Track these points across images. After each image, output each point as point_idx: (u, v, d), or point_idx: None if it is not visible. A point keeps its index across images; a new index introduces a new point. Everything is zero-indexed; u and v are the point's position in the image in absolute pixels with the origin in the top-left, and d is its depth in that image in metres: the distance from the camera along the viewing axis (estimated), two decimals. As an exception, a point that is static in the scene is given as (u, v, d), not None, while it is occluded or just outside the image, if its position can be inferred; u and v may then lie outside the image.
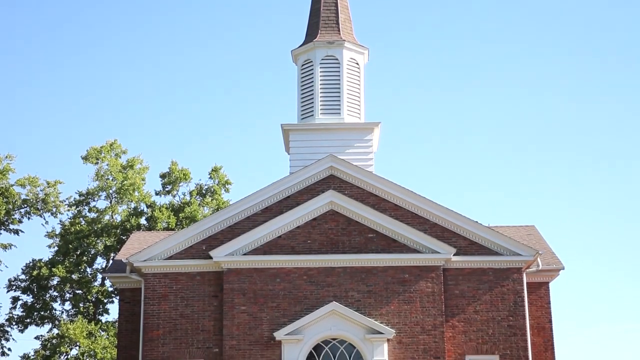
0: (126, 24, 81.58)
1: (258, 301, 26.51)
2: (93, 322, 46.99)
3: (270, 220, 27.06)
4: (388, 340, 26.06)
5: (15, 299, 47.88)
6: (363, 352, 26.05)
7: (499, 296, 26.86)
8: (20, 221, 47.88)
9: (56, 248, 48.68)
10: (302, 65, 30.11)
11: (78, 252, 48.19)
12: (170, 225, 48.75)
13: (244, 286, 26.62)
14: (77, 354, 45.57)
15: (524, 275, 27.30)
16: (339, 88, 29.43)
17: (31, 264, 47.93)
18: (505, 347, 26.50)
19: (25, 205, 47.91)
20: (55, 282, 47.63)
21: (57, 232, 49.33)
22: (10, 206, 46.88)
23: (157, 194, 52.25)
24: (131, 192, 50.11)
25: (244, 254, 26.87)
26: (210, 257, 26.79)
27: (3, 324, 47.22)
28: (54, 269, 46.59)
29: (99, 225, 48.78)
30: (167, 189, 52.36)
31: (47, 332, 47.75)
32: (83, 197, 50.11)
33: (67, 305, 48.59)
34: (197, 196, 52.41)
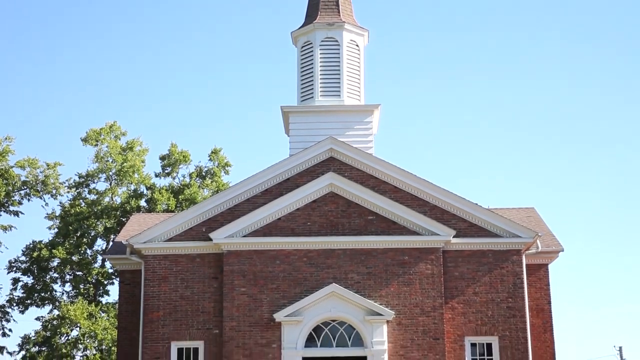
0: (126, 7, 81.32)
1: (258, 283, 26.58)
2: (93, 303, 47.14)
3: (270, 202, 27.07)
4: (387, 321, 26.14)
5: (15, 280, 48.00)
6: (362, 334, 26.13)
7: (499, 278, 26.93)
8: (20, 203, 47.96)
9: (56, 230, 48.77)
10: (302, 47, 30.01)
11: (78, 234, 48.28)
12: (170, 207, 48.80)
13: (244, 268, 26.67)
14: (77, 335, 45.74)
15: (524, 257, 27.35)
16: (339, 70, 29.35)
17: (31, 245, 48.03)
18: (504, 328, 26.60)
19: (25, 187, 47.94)
20: (55, 264, 47.75)
21: (57, 214, 49.40)
22: (10, 188, 46.91)
23: (156, 176, 52.29)
24: (131, 174, 50.13)
25: (244, 236, 26.91)
26: (210, 239, 26.82)
27: (4, 305, 47.38)
28: (54, 251, 46.69)
29: (99, 207, 48.83)
30: (166, 171, 52.37)
31: (48, 313, 47.95)
32: (83, 179, 50.12)
33: (68, 287, 48.77)
34: (197, 178, 52.43)
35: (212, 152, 53.25)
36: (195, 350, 26.54)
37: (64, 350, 45.26)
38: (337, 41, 29.53)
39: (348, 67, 29.48)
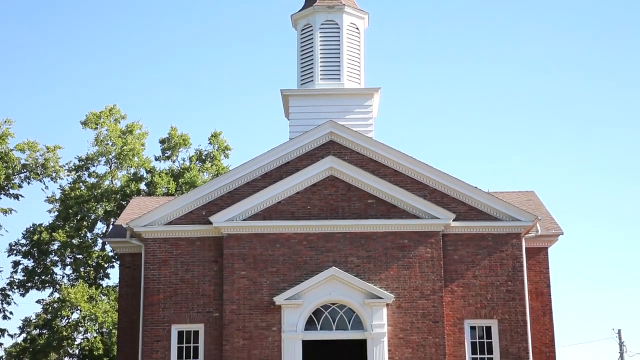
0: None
1: (258, 266, 26.62)
2: (94, 286, 47.24)
3: (270, 186, 27.07)
4: (387, 305, 26.21)
5: (16, 263, 48.06)
6: (362, 317, 26.21)
7: (498, 261, 26.98)
8: (20, 186, 47.93)
9: (56, 213, 48.79)
10: (302, 30, 29.92)
11: (78, 217, 48.32)
12: (170, 191, 48.81)
13: (244, 251, 26.70)
14: (78, 318, 45.86)
15: (523, 240, 27.39)
16: (339, 53, 29.28)
17: (31, 228, 48.07)
18: (503, 311, 26.67)
19: (25, 170, 47.90)
20: (55, 247, 47.80)
21: (57, 197, 49.42)
22: (10, 171, 46.88)
23: (156, 159, 52.27)
24: (131, 157, 50.10)
25: (244, 220, 26.93)
26: (210, 223, 26.84)
27: (4, 287, 47.48)
28: (54, 234, 46.75)
29: (99, 191, 48.84)
30: (166, 155, 52.35)
31: (48, 296, 48.06)
32: (82, 162, 50.11)
33: (68, 270, 48.84)
34: (197, 162, 52.41)
35: (212, 136, 53.21)
36: (196, 333, 26.62)
37: (64, 333, 45.39)
38: (337, 24, 29.43)
39: (348, 50, 29.40)
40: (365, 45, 30.28)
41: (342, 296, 26.29)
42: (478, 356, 26.60)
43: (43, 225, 47.78)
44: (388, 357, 25.86)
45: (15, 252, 48.15)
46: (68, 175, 49.64)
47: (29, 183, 48.25)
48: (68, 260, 48.55)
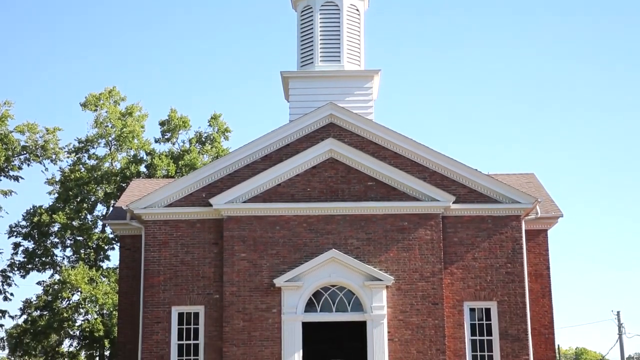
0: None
1: (258, 248, 26.66)
2: (94, 268, 47.36)
3: (270, 168, 27.07)
4: (387, 287, 26.28)
5: (16, 245, 48.16)
6: (362, 299, 26.28)
7: (498, 243, 27.02)
8: (20, 168, 47.91)
9: (56, 195, 48.84)
10: (302, 11, 29.79)
11: (78, 199, 48.37)
12: (169, 173, 48.83)
13: (244, 233, 26.74)
14: (78, 300, 46.00)
15: (523, 222, 27.43)
16: (339, 35, 29.18)
17: (32, 210, 48.13)
18: (503, 293, 26.74)
19: (25, 152, 47.88)
20: (56, 229, 47.88)
21: (57, 179, 49.44)
22: (10, 153, 46.84)
23: (156, 141, 52.27)
24: (130, 139, 50.09)
25: (244, 202, 26.95)
26: (210, 205, 26.86)
27: (5, 269, 47.58)
28: (54, 216, 46.82)
29: (99, 173, 48.87)
30: (166, 137, 52.33)
31: (49, 277, 48.20)
32: (82, 144, 50.10)
33: (68, 252, 48.96)
34: (197, 144, 52.40)
35: (211, 118, 53.18)
36: (196, 314, 26.71)
37: (65, 315, 45.55)
38: (337, 5, 29.31)
39: (348, 32, 29.30)
40: (366, 27, 30.20)
41: (342, 278, 26.35)
42: (477, 338, 26.69)
43: (43, 207, 47.85)
44: (388, 339, 25.96)
45: (15, 233, 48.25)
46: (68, 157, 49.67)
47: (28, 165, 48.27)
48: (68, 242, 48.66)
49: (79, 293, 45.83)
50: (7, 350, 51.19)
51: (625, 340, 56.80)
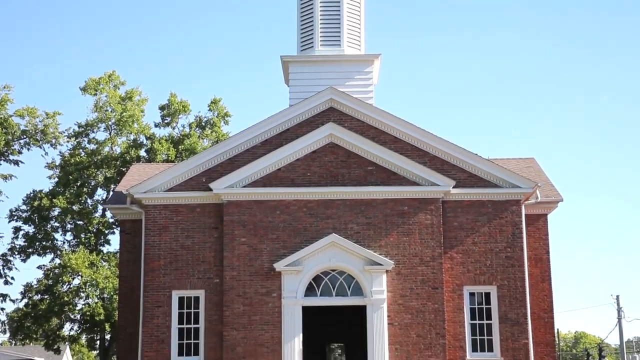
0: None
1: (258, 233, 26.70)
2: (94, 252, 47.42)
3: (270, 153, 27.06)
4: (387, 271, 26.33)
5: (17, 229, 48.20)
6: (362, 283, 26.33)
7: (498, 228, 27.05)
8: (20, 152, 47.82)
9: (56, 179, 48.83)
10: (302, -5, 29.68)
11: (78, 184, 48.37)
12: (169, 158, 48.81)
13: (244, 218, 26.76)
14: (79, 284, 46.08)
15: (523, 207, 27.45)
16: (339, 19, 29.09)
17: (32, 194, 48.15)
18: (502, 277, 26.79)
19: (25, 136, 47.79)
20: (56, 213, 47.91)
21: (57, 164, 49.43)
22: (10, 137, 46.76)
23: (156, 125, 52.21)
24: (130, 123, 50.03)
25: (244, 186, 26.96)
26: (210, 189, 26.87)
27: (5, 253, 47.64)
28: (54, 200, 46.83)
29: (99, 157, 48.85)
30: (166, 121, 52.27)
31: (49, 262, 48.27)
32: (82, 129, 50.05)
33: (69, 236, 49.01)
34: (197, 128, 52.34)
35: (211, 102, 53.09)
36: (196, 299, 26.78)
37: (66, 299, 45.65)
38: (337, -11, 29.20)
39: (348, 16, 29.21)
40: (366, 11, 30.08)
41: (342, 262, 26.40)
42: (477, 322, 26.77)
43: (43, 192, 47.87)
44: (387, 323, 26.03)
45: (15, 218, 48.28)
46: (68, 142, 49.61)
47: (28, 149, 48.17)
48: (68, 226, 48.70)
49: (79, 277, 45.90)
50: (8, 334, 51.44)
51: (625, 324, 57.04)
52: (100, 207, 48.74)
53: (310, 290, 26.49)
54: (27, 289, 47.74)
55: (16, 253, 47.81)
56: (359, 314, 26.95)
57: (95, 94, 50.23)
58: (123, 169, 47.16)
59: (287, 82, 29.37)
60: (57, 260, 47.49)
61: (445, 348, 26.11)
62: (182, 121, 52.66)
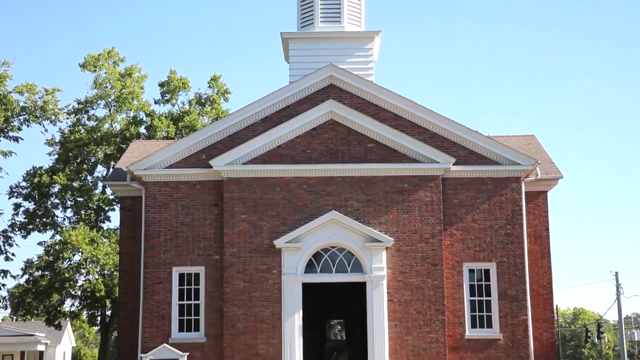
0: None
1: (258, 210, 26.73)
2: (95, 229, 47.49)
3: (270, 130, 27.04)
4: (387, 248, 26.39)
5: (17, 206, 48.24)
6: (362, 260, 26.41)
7: (497, 205, 27.08)
8: (19, 128, 47.72)
9: (56, 156, 48.81)
10: (302, -29, 29.51)
11: (78, 160, 48.37)
12: (169, 134, 48.77)
13: (244, 195, 26.79)
14: (79, 260, 46.20)
15: (523, 184, 27.46)
16: (339, -5, 28.97)
17: (32, 171, 48.15)
18: (502, 254, 26.87)
19: (24, 113, 47.68)
20: (56, 190, 47.93)
21: (56, 140, 49.38)
22: (9, 113, 46.66)
23: (156, 102, 52.11)
24: (130, 100, 49.93)
25: (244, 163, 26.96)
26: (210, 166, 26.87)
27: (6, 229, 47.71)
28: (54, 177, 46.84)
29: (99, 134, 48.79)
30: (166, 98, 52.17)
31: (50, 238, 48.35)
32: (82, 105, 49.95)
33: (69, 213, 49.06)
34: (197, 105, 52.26)
35: (211, 79, 52.96)
36: (197, 275, 26.87)
37: (66, 275, 45.78)
38: (337, -35, 29.04)
39: (349, -8, 29.05)
40: (366, -13, 29.91)
41: (342, 239, 26.45)
42: (476, 298, 26.88)
43: (43, 168, 47.87)
44: (387, 300, 26.13)
45: (16, 194, 48.31)
46: (67, 118, 49.51)
47: (28, 126, 48.05)
48: (69, 203, 48.74)
49: (79, 254, 46.02)
50: (9, 310, 51.65)
51: (623, 301, 57.01)
52: (100, 184, 48.77)
53: (310, 267, 26.57)
54: (28, 265, 47.88)
55: (16, 229, 47.87)
56: (359, 290, 27.04)
57: (95, 71, 50.09)
58: (123, 146, 47.14)
59: (287, 59, 29.27)
60: (58, 237, 47.58)
61: (445, 324, 26.23)
62: (182, 98, 52.60)
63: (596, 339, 71.80)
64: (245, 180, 26.85)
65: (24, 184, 48.22)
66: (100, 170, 49.70)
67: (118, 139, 48.77)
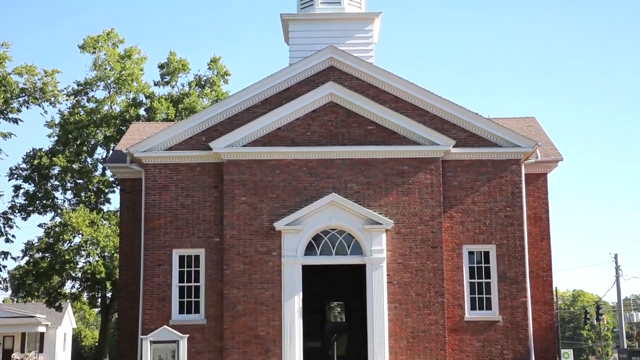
0: None
1: (258, 192, 26.73)
2: (95, 211, 47.55)
3: (270, 112, 26.99)
4: (386, 230, 26.41)
5: (17, 188, 48.28)
6: (362, 242, 26.44)
7: (497, 187, 27.08)
8: (19, 110, 47.66)
9: (56, 138, 48.80)
10: (302, -48, 29.36)
11: (78, 142, 48.36)
12: (169, 117, 48.72)
13: (244, 177, 26.79)
14: (80, 242, 46.28)
15: (523, 166, 27.45)
16: (339, -24, 28.84)
17: (32, 153, 48.16)
18: (502, 236, 26.89)
19: (24, 94, 47.59)
20: (56, 172, 47.95)
21: (56, 122, 49.35)
22: (9, 95, 46.58)
23: (155, 84, 52.04)
24: (130, 82, 49.85)
25: (244, 146, 26.93)
26: (210, 149, 26.85)
27: (6, 211, 47.76)
28: (54, 159, 46.85)
29: (98, 116, 48.76)
30: (165, 80, 52.08)
31: (50, 220, 48.42)
32: (81, 87, 49.87)
33: (69, 195, 49.12)
34: (196, 87, 52.17)
35: (211, 61, 52.86)
36: (197, 257, 26.91)
37: (67, 257, 45.87)
38: (337, -54, 28.89)
39: (349, -26, 28.93)
40: (366, -32, 29.77)
41: (342, 222, 26.48)
42: (476, 280, 26.93)
43: (43, 150, 47.86)
44: (387, 282, 26.19)
45: (16, 176, 48.35)
46: (67, 100, 49.45)
47: (27, 107, 47.97)
48: (69, 185, 48.78)
49: (80, 236, 46.09)
50: (10, 291, 51.78)
51: (622, 283, 57.19)
52: (100, 166, 48.79)
53: (310, 249, 26.61)
54: (28, 247, 47.97)
55: (17, 211, 47.93)
56: (359, 272, 27.09)
57: (94, 52, 49.98)
58: (123, 128, 47.11)
59: (287, 41, 29.19)
60: (58, 219, 47.65)
61: (444, 306, 26.30)
62: (182, 80, 52.52)
63: (595, 320, 71.95)
64: (245, 163, 26.84)
65: (23, 165, 48.25)
66: (100, 153, 49.73)
67: (118, 121, 48.73)
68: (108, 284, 47.12)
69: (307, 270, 26.59)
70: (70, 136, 47.73)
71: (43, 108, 48.24)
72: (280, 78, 27.35)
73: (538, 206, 29.11)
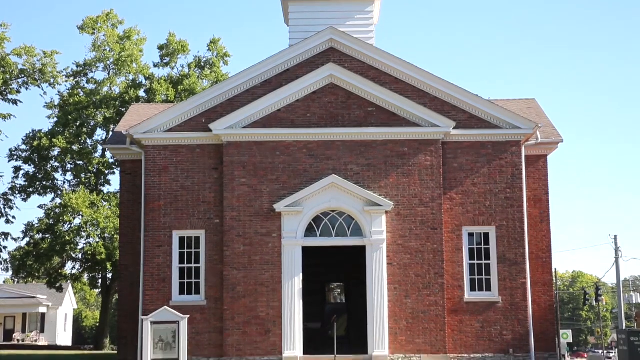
0: None
1: (258, 174, 26.73)
2: (95, 192, 47.59)
3: (270, 94, 26.94)
4: (386, 212, 26.43)
5: (17, 169, 48.33)
6: (362, 224, 26.47)
7: (497, 169, 27.08)
8: (18, 91, 47.61)
9: (56, 119, 48.78)
10: None
11: (78, 124, 48.35)
12: (169, 98, 48.65)
13: (244, 159, 26.77)
14: (80, 223, 46.36)
15: (523, 148, 27.44)
16: (340, -43, 28.69)
17: (31, 134, 48.15)
18: (501, 218, 26.92)
19: (23, 76, 47.52)
20: (56, 153, 47.97)
21: (55, 103, 49.30)
22: (8, 76, 46.50)
23: (155, 66, 51.93)
24: (129, 63, 49.75)
25: (244, 127, 26.89)
26: (210, 130, 26.82)
27: (6, 192, 47.82)
28: (54, 140, 46.85)
29: (98, 97, 48.70)
30: (165, 61, 51.96)
31: (50, 201, 48.50)
32: (81, 68, 49.79)
33: (69, 176, 49.18)
34: (196, 68, 52.06)
35: (210, 42, 52.72)
36: (197, 239, 26.95)
37: (67, 238, 45.98)
38: None
39: (349, -46, 28.77)
40: (367, -51, 29.58)
41: (342, 203, 26.49)
42: (475, 262, 26.98)
43: (43, 131, 47.85)
44: (387, 263, 26.24)
45: (15, 157, 48.39)
46: (66, 81, 49.38)
47: (27, 89, 47.95)
48: (69, 166, 48.82)
49: (80, 217, 46.17)
50: (10, 272, 51.92)
51: (622, 264, 57.30)
52: (100, 147, 48.80)
53: (310, 231, 26.64)
54: (29, 228, 48.07)
55: (17, 192, 48.02)
56: (359, 254, 27.14)
57: (93, 33, 49.88)
58: (122, 109, 47.10)
59: (287, 22, 29.08)
60: (58, 200, 47.73)
61: (444, 287, 26.37)
62: (181, 61, 52.43)
63: (594, 301, 72.27)
64: (245, 144, 26.82)
65: (23, 147, 48.29)
66: (100, 134, 49.75)
67: (117, 102, 48.70)
68: (108, 265, 47.26)
69: (307, 251, 26.64)
70: (69, 117, 47.72)
71: (42, 89, 48.26)
72: (280, 59, 27.27)
73: (538, 188, 29.11)
